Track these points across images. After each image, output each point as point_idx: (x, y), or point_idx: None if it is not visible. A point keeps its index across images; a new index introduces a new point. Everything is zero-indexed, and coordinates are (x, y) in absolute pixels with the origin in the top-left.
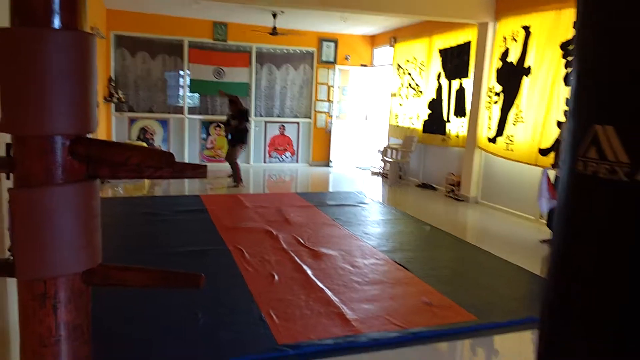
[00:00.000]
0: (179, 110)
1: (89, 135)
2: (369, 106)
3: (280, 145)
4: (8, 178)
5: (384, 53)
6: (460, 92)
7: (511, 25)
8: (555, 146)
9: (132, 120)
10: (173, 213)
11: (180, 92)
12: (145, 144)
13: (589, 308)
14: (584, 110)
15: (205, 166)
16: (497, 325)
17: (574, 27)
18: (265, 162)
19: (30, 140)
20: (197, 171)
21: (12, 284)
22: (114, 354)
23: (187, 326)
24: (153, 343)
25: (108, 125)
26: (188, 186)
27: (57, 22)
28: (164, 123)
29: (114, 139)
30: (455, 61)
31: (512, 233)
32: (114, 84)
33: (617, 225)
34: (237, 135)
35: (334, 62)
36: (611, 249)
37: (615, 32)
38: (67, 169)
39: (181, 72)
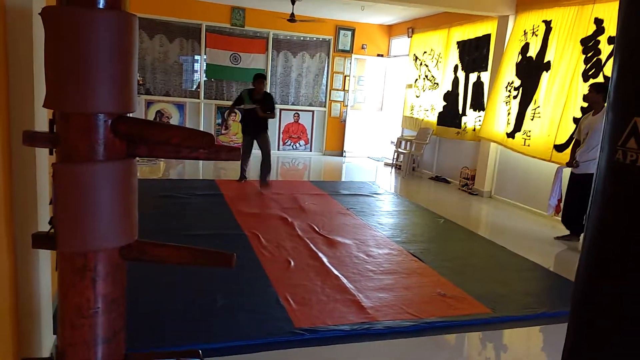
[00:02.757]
0: (195, 94)
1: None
2: (384, 97)
3: (294, 133)
4: (51, 153)
5: (401, 44)
6: (478, 85)
7: (532, 19)
8: (573, 146)
9: (148, 103)
10: (189, 196)
11: (197, 77)
12: None
13: (625, 299)
14: (624, 102)
15: (239, 149)
16: (512, 319)
17: (618, 17)
18: (279, 149)
19: (74, 118)
20: (231, 153)
21: (43, 256)
22: (138, 331)
23: (205, 308)
24: (173, 322)
25: None
26: (202, 170)
27: (102, 2)
28: (180, 107)
29: None
30: (473, 54)
31: (526, 229)
32: None
33: None
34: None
35: (351, 51)
36: None
37: None
38: (109, 147)
39: (198, 57)
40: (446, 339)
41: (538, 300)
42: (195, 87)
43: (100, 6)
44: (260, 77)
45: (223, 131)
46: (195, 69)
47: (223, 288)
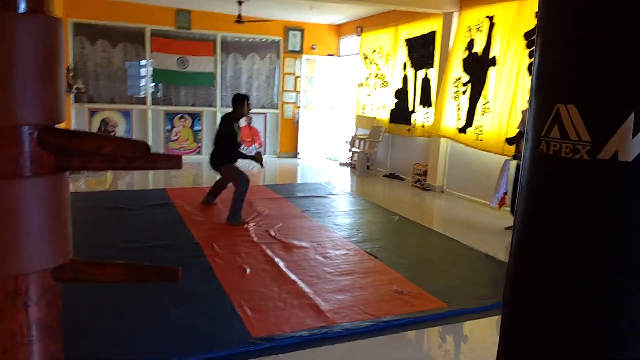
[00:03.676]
0: (142, 101)
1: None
2: (336, 97)
3: (247, 137)
4: None
5: (350, 43)
6: (426, 82)
7: (476, 15)
8: (517, 137)
9: (92, 112)
10: (138, 207)
11: (143, 82)
12: None
13: (550, 289)
14: (547, 89)
15: (180, 156)
16: (467, 312)
17: (538, 3)
18: None
19: None
20: (171, 161)
21: None
22: (83, 352)
23: (158, 323)
24: (123, 340)
25: (67, 118)
26: (153, 179)
27: (22, 5)
28: (126, 114)
29: None
30: (420, 51)
31: (478, 221)
32: (72, 74)
33: (579, 205)
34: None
35: (301, 52)
36: (573, 228)
37: (578, 11)
38: (36, 161)
39: (143, 62)
40: (404, 337)
41: (491, 291)
42: (142, 93)
43: (22, 10)
44: (239, 100)
45: (172, 137)
46: (142, 74)
47: (175, 300)
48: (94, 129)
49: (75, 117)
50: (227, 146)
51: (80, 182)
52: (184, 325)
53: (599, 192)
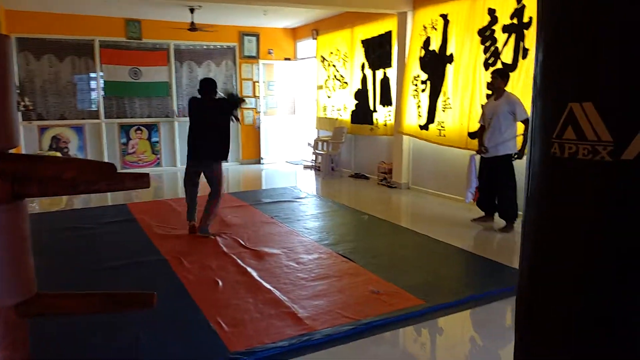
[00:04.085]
0: (94, 115)
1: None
2: (297, 100)
3: None
4: None
5: (307, 46)
6: (385, 81)
7: (430, 14)
8: (479, 132)
9: (42, 129)
10: (98, 225)
11: (94, 96)
12: (59, 154)
13: (575, 303)
14: (556, 88)
15: (147, 174)
16: (444, 307)
17: None
18: None
19: None
20: (138, 181)
21: None
22: None
23: (127, 347)
24: None
25: None
26: (111, 195)
27: None
28: (78, 130)
29: (23, 151)
30: (377, 51)
31: (445, 214)
32: (19, 91)
33: (601, 210)
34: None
35: (257, 57)
36: (598, 235)
37: (585, 4)
38: None
39: (94, 74)
40: (385, 337)
41: (465, 284)
42: (93, 106)
43: None
44: (204, 85)
45: (129, 150)
46: (92, 87)
47: (146, 323)
48: (45, 146)
49: (24, 136)
50: (227, 139)
51: (34, 203)
52: (157, 349)
53: (625, 195)
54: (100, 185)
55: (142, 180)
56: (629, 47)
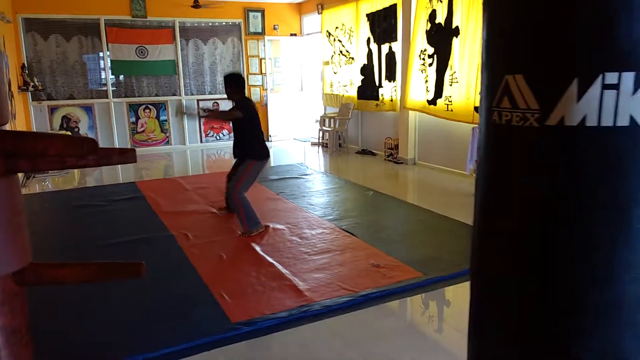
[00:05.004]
0: (103, 94)
1: (4, 127)
2: (303, 76)
3: (215, 124)
4: None
5: (312, 21)
6: (390, 56)
7: None
8: None
9: (52, 109)
10: (108, 203)
11: (102, 75)
12: (70, 133)
13: (509, 259)
14: (495, 62)
15: (134, 149)
16: (442, 279)
17: None
18: (201, 142)
19: None
20: (124, 156)
21: None
22: (58, 354)
23: (136, 318)
24: (101, 339)
25: (27, 117)
26: (122, 173)
27: None
28: (88, 109)
29: (34, 130)
30: (382, 25)
31: (450, 189)
32: (27, 72)
33: (530, 171)
34: (246, 141)
35: (263, 33)
36: (526, 196)
37: None
38: None
39: (101, 54)
40: (383, 309)
41: (466, 258)
42: (102, 86)
43: None
44: (228, 81)
45: (139, 129)
46: (100, 66)
47: (153, 293)
48: (56, 126)
49: (34, 116)
50: (260, 134)
51: (47, 182)
52: (163, 317)
53: (549, 157)
54: (88, 160)
55: (129, 155)
56: (552, 26)
